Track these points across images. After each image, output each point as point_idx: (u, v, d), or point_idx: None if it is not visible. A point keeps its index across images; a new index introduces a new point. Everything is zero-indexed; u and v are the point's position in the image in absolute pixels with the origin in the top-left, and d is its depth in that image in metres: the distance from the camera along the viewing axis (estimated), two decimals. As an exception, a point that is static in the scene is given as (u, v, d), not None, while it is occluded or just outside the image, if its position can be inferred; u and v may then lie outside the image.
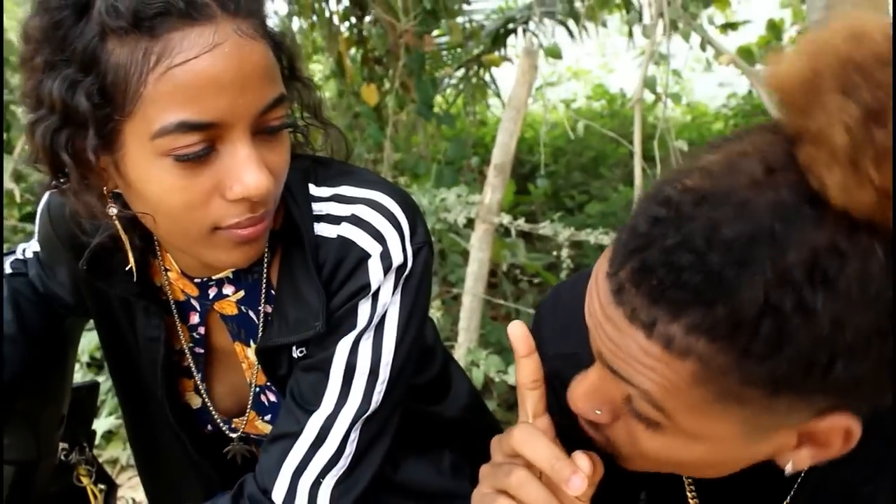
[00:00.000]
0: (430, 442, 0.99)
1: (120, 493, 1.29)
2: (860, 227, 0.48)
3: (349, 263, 0.79)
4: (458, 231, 2.85)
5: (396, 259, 0.80)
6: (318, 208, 0.82)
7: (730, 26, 3.61)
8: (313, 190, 0.83)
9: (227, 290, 0.88)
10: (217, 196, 0.71)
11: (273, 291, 0.86)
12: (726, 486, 0.73)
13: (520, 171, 4.21)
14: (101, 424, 2.33)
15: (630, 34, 3.76)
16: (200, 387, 0.96)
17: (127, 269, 0.83)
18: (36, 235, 0.96)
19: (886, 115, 0.45)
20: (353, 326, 0.81)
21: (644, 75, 2.22)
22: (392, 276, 0.81)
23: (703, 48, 2.85)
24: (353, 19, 3.39)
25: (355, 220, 0.80)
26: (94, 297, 0.94)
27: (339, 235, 0.80)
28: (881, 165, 0.45)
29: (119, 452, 2.34)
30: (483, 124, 4.82)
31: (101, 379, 1.87)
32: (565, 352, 0.76)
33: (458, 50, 3.59)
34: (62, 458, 1.10)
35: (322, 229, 0.81)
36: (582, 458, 0.63)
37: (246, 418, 0.97)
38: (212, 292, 0.88)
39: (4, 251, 1.01)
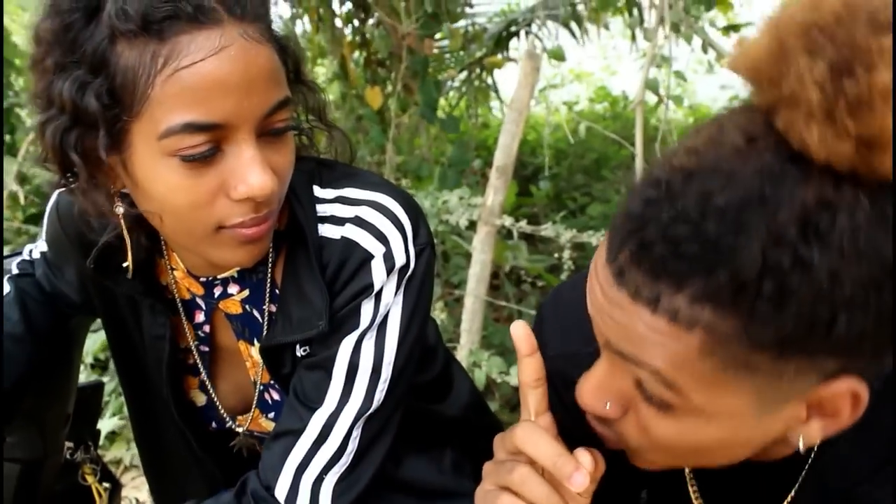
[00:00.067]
0: (431, 440, 1.00)
1: (123, 493, 1.30)
2: (844, 179, 0.49)
3: (353, 264, 0.80)
4: (460, 233, 2.86)
5: (399, 260, 0.81)
6: (323, 210, 0.83)
7: (732, 28, 3.60)
8: (318, 192, 0.84)
9: (232, 289, 0.89)
10: (222, 196, 0.71)
11: (277, 291, 0.87)
12: (729, 484, 0.74)
13: (522, 173, 4.20)
14: (105, 425, 2.33)
15: (632, 37, 3.76)
16: (207, 384, 0.97)
17: (124, 265, 0.84)
18: (44, 234, 0.97)
19: (852, 67, 0.47)
20: (356, 326, 0.82)
21: (646, 77, 2.23)
22: (395, 277, 0.82)
23: (704, 50, 2.86)
24: (357, 22, 3.39)
25: (359, 222, 0.81)
26: (101, 295, 0.95)
27: (342, 236, 0.81)
28: (856, 114, 0.47)
29: (123, 453, 2.34)
30: (486, 127, 4.82)
31: (104, 380, 1.88)
32: (567, 351, 0.77)
33: (461, 53, 3.59)
34: (67, 456, 1.12)
35: (326, 230, 0.82)
36: (584, 455, 0.64)
37: (250, 416, 0.98)
38: (217, 291, 0.89)
39: (10, 253, 1.03)
